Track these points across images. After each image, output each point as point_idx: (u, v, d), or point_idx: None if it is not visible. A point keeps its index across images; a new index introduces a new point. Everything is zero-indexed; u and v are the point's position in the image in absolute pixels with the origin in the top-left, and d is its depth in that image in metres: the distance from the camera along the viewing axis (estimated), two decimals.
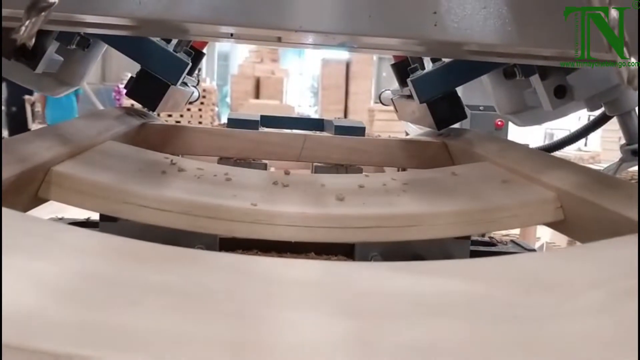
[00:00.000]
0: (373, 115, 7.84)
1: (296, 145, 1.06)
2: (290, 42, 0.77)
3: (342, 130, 1.11)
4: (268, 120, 1.21)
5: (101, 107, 5.30)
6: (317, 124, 1.28)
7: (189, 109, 6.14)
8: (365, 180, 0.85)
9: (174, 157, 0.86)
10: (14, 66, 0.90)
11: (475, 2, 0.64)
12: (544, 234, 2.84)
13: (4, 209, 0.51)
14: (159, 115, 1.23)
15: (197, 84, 1.44)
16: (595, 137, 9.18)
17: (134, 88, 1.05)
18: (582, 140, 9.48)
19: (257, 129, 1.09)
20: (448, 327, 0.41)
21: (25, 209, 0.66)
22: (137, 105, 1.17)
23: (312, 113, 9.40)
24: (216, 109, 7.43)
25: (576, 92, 0.94)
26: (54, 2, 0.54)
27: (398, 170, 1.12)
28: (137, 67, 1.08)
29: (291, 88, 10.61)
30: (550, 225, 0.74)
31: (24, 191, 0.64)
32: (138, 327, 0.38)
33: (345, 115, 8.03)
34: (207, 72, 9.04)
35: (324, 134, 1.19)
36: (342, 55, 10.27)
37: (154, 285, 0.46)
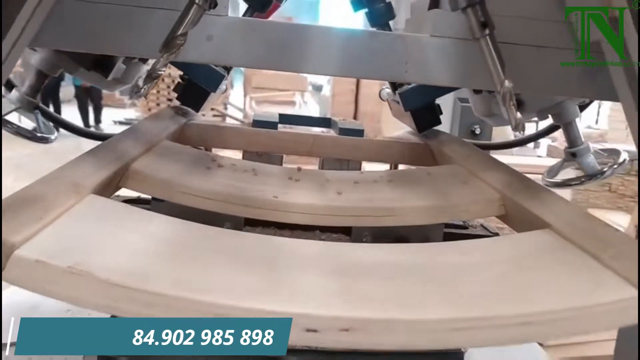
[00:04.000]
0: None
1: (307, 142, 1.31)
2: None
3: (344, 131, 1.35)
4: (285, 118, 1.45)
5: None
6: (325, 122, 1.53)
7: None
8: (360, 176, 1.09)
9: (214, 155, 1.11)
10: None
11: (438, 56, 0.88)
12: None
13: (113, 201, 0.75)
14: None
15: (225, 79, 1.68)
16: (603, 115, 9.20)
17: (183, 95, 1.31)
18: (593, 118, 9.39)
19: (277, 128, 1.33)
20: (411, 285, 0.58)
21: (109, 196, 0.90)
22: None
23: (325, 83, 9.54)
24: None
25: (528, 106, 1.15)
26: (182, 43, 0.71)
27: (390, 165, 1.36)
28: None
29: None
30: (497, 217, 0.98)
31: (114, 183, 0.89)
32: (201, 278, 0.55)
33: (357, 92, 8.06)
34: None
35: (331, 133, 1.43)
36: None
37: (212, 249, 0.68)
